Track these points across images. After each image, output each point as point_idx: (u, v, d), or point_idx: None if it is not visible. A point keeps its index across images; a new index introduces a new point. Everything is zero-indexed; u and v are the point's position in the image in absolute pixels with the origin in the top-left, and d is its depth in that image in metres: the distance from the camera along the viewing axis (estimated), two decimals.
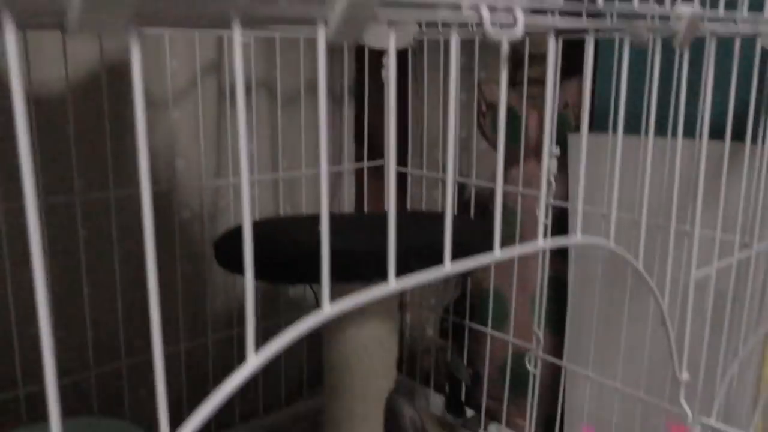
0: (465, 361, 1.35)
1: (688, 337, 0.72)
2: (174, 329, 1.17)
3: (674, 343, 0.71)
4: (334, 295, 1.05)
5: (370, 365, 1.07)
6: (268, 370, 1.35)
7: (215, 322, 1.26)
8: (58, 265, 1.08)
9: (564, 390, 1.21)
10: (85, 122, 1.06)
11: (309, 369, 1.42)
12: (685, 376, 0.72)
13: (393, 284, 0.46)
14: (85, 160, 1.08)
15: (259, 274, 1.01)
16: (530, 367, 1.21)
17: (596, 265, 1.11)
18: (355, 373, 1.07)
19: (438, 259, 0.99)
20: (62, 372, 1.07)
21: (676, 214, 0.68)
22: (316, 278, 1.02)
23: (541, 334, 1.18)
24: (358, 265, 0.94)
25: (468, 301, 1.41)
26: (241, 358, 1.34)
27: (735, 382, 0.87)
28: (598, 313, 1.13)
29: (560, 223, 1.25)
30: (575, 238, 0.56)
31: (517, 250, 0.51)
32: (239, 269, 1.01)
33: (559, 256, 1.27)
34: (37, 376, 0.94)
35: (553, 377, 1.32)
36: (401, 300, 1.58)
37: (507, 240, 1.38)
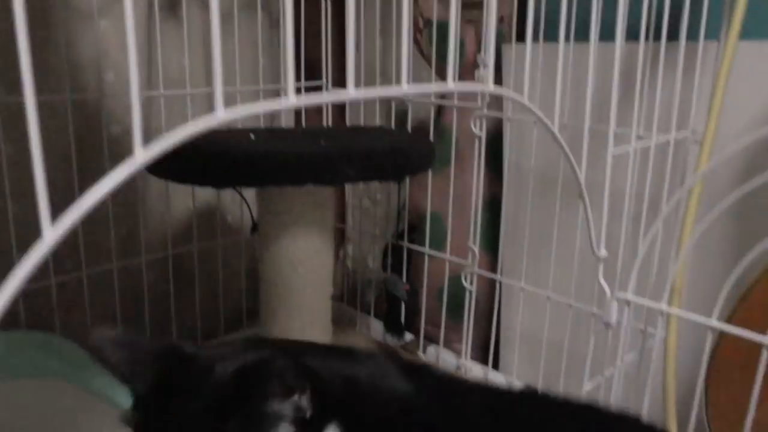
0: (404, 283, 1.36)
1: (606, 211, 0.73)
2: (106, 248, 1.15)
3: (592, 220, 0.73)
4: (269, 200, 1.02)
5: (305, 277, 1.07)
6: (207, 299, 1.34)
7: (150, 241, 1.24)
8: None
9: (499, 306, 1.23)
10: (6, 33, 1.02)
11: (248, 300, 1.41)
12: (602, 252, 0.74)
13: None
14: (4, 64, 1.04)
15: (191, 178, 1.00)
16: (466, 284, 1.22)
17: (529, 184, 1.13)
18: (290, 286, 1.07)
19: (372, 164, 1.00)
20: None
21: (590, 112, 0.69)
22: (248, 181, 1.00)
23: (476, 249, 1.20)
24: (291, 167, 0.93)
25: (406, 224, 1.42)
26: (177, 278, 1.32)
27: (656, 256, 0.89)
28: (531, 229, 1.15)
29: (495, 139, 1.26)
30: (484, 86, 0.56)
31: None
32: (170, 175, 0.99)
33: (496, 180, 1.28)
34: None
35: (488, 301, 1.34)
36: (343, 233, 1.58)
37: (444, 160, 1.39)
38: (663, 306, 0.73)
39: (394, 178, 1.08)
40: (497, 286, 1.20)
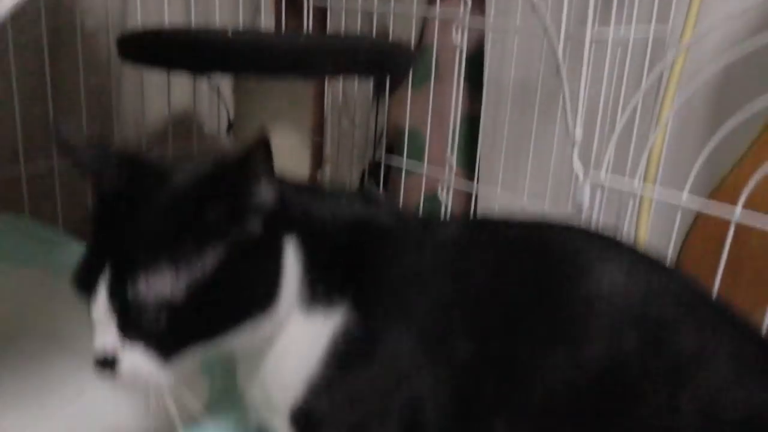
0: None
1: (585, 91, 0.73)
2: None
3: (569, 100, 0.73)
4: (245, 96, 1.00)
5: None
6: None
7: (124, 141, 1.22)
8: None
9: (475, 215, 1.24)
10: None
11: None
12: (578, 133, 0.74)
13: None
14: None
15: (167, 63, 0.98)
16: (442, 197, 1.23)
17: (509, 97, 1.13)
18: None
19: (350, 58, 0.99)
20: None
21: None
22: (224, 66, 0.99)
23: (454, 161, 1.20)
24: (267, 55, 0.92)
25: (384, 140, 1.42)
26: None
27: (635, 133, 0.89)
28: (508, 141, 1.15)
29: (475, 58, 1.26)
30: None
31: None
32: (142, 59, 0.97)
33: (475, 97, 1.28)
34: None
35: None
36: (320, 155, 1.57)
37: (424, 76, 1.38)
38: (635, 183, 0.73)
39: (373, 74, 1.07)
40: (473, 200, 1.21)
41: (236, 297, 0.49)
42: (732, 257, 0.73)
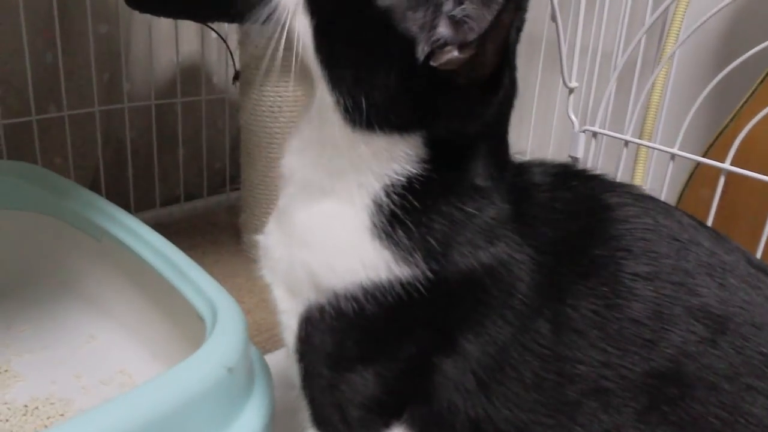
0: None
1: (580, 39, 0.73)
2: (89, 93, 1.15)
3: (565, 49, 0.73)
4: (252, 45, 0.98)
5: (286, 126, 1.07)
6: (191, 161, 1.35)
7: (133, 92, 1.24)
8: None
9: None
10: None
11: (231, 166, 1.42)
12: (573, 83, 0.75)
13: None
14: None
15: (174, 11, 0.98)
16: None
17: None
18: (271, 134, 1.08)
19: None
20: None
21: None
22: (229, 14, 0.99)
23: None
24: None
25: None
26: (160, 136, 1.32)
27: (634, 89, 0.90)
28: None
29: None
30: None
31: None
32: (149, 8, 0.98)
33: None
34: None
35: None
36: None
37: None
38: (627, 137, 0.74)
39: None
40: None
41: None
42: (728, 204, 0.73)
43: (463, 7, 0.40)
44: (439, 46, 0.42)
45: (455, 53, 0.41)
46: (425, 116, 0.45)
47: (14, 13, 1.03)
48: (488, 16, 0.39)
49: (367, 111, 0.44)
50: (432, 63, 0.42)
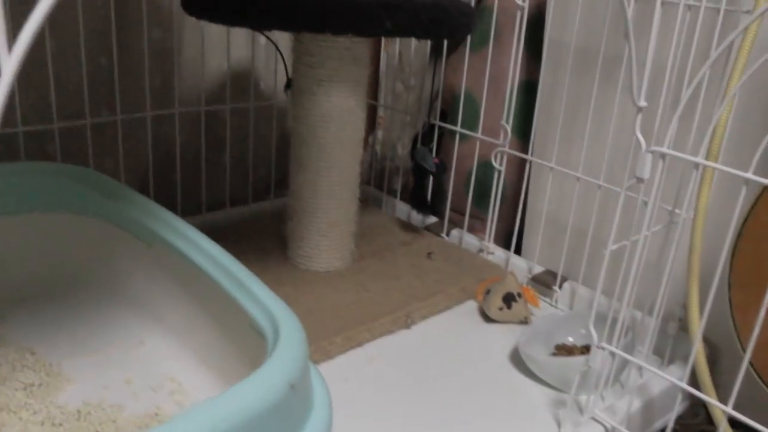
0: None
1: (652, 56, 0.72)
2: (141, 98, 1.16)
3: (635, 67, 0.71)
4: (304, 52, 0.99)
5: (337, 135, 1.07)
6: (237, 167, 1.36)
7: (183, 96, 1.25)
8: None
9: (527, 188, 1.23)
10: None
11: (277, 171, 1.42)
12: (642, 102, 0.73)
13: None
14: None
15: (227, 18, 0.98)
16: (496, 164, 1.22)
17: (568, 62, 1.10)
18: (321, 143, 1.07)
19: (410, 16, 0.98)
20: (24, 122, 1.05)
21: None
22: (284, 23, 0.99)
23: (509, 128, 1.19)
24: (329, 11, 0.92)
25: (440, 104, 1.41)
26: (208, 141, 1.32)
27: (699, 109, 0.88)
28: (566, 109, 1.13)
29: (534, 21, 1.23)
30: None
31: None
32: (204, 14, 0.98)
33: (534, 63, 1.26)
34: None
35: (514, 188, 1.34)
36: (374, 120, 1.57)
37: (482, 39, 1.36)
38: (699, 159, 0.72)
39: (432, 36, 1.05)
40: (527, 167, 1.20)
41: None
42: None
43: None
44: None
45: None
46: None
47: (72, 20, 1.04)
48: None
49: None
50: None
